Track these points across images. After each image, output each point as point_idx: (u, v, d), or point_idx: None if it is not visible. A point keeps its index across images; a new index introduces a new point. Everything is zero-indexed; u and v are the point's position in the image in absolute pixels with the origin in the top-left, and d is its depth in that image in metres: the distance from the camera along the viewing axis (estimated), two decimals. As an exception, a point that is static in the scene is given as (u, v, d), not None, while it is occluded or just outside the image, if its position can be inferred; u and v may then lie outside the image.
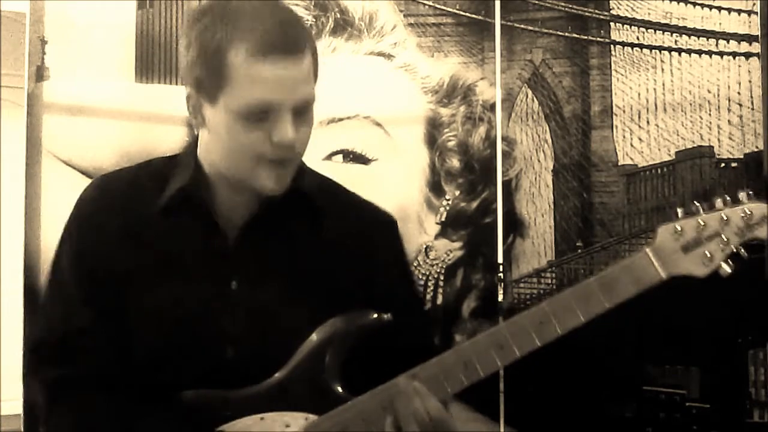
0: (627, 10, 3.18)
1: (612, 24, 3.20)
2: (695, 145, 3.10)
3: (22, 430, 2.87)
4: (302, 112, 1.64)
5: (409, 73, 3.22)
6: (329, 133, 3.09)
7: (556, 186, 3.22)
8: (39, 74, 3.03)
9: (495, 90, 3.20)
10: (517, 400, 3.06)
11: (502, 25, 3.21)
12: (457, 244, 3.21)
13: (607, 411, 3.10)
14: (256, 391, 1.69)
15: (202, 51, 1.62)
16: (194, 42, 1.63)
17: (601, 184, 3.19)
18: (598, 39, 3.21)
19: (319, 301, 1.72)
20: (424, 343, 1.76)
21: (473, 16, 3.24)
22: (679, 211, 1.60)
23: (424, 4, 3.24)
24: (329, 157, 3.13)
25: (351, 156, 3.15)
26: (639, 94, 3.17)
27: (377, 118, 3.17)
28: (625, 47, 3.19)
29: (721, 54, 3.08)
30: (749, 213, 1.55)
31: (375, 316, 1.70)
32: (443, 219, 3.20)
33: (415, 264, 3.14)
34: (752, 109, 3.02)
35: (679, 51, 3.13)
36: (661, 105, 3.14)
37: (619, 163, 3.18)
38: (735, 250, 1.55)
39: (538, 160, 3.23)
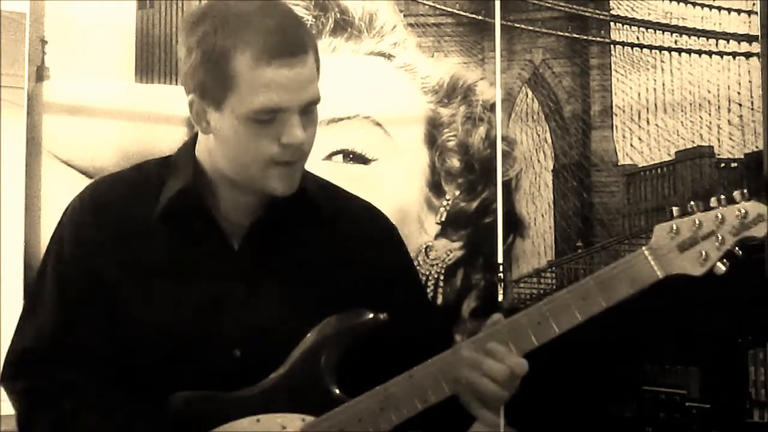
0: (627, 10, 3.19)
1: (612, 24, 3.20)
2: (695, 145, 3.10)
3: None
4: (309, 112, 1.64)
5: (409, 73, 3.22)
6: (329, 133, 3.08)
7: (556, 186, 3.22)
8: (39, 74, 3.04)
9: (495, 90, 3.21)
10: (517, 400, 3.06)
11: (502, 25, 3.21)
12: (457, 244, 3.21)
13: (607, 411, 3.10)
14: (252, 392, 1.68)
15: (205, 58, 1.60)
16: (195, 49, 1.61)
17: (601, 184, 3.19)
18: (598, 39, 3.21)
19: (325, 303, 1.71)
20: (441, 345, 1.74)
21: (473, 16, 3.24)
22: (675, 210, 1.60)
23: (424, 4, 3.24)
24: (329, 157, 3.13)
25: (351, 156, 3.15)
26: (639, 94, 3.17)
27: (377, 118, 3.17)
28: (625, 47, 3.19)
29: (721, 54, 3.08)
30: (744, 212, 1.55)
31: (371, 315, 1.70)
32: (443, 219, 3.20)
33: (415, 264, 3.14)
34: (752, 109, 3.03)
35: (679, 51, 3.13)
36: (661, 105, 3.14)
37: (619, 163, 3.19)
38: (730, 249, 1.56)
39: (538, 160, 3.23)
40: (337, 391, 1.70)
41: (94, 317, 1.69)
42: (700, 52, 3.11)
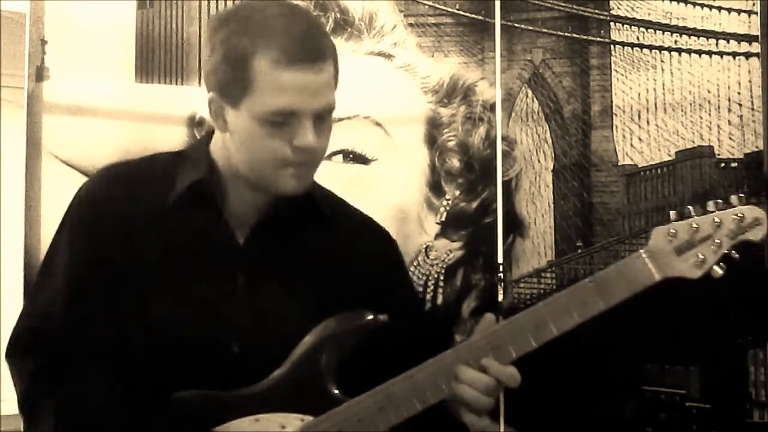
0: (627, 10, 3.18)
1: (612, 24, 3.20)
2: (695, 145, 3.10)
3: (22, 430, 2.87)
4: (323, 118, 1.68)
5: (409, 73, 3.22)
6: (329, 133, 3.09)
7: (556, 186, 3.22)
8: (39, 74, 3.04)
9: (495, 90, 3.21)
10: (517, 400, 3.06)
11: (502, 25, 3.21)
12: (457, 244, 3.21)
13: (607, 411, 3.10)
14: (251, 391, 1.69)
15: (227, 57, 1.64)
16: (219, 47, 1.66)
17: (601, 184, 3.19)
18: (598, 39, 3.21)
19: (324, 302, 1.74)
20: (431, 344, 1.76)
21: (473, 16, 3.24)
22: (673, 213, 1.61)
23: (424, 4, 3.24)
24: (329, 157, 3.13)
25: (351, 156, 3.16)
26: (639, 94, 3.17)
27: (377, 118, 3.17)
28: (625, 47, 3.18)
29: (721, 54, 3.08)
30: (741, 215, 1.56)
31: (371, 317, 1.71)
32: (443, 219, 3.20)
33: (415, 264, 3.14)
34: (752, 109, 3.02)
35: (679, 51, 3.13)
36: (661, 105, 3.14)
37: (619, 163, 3.18)
38: (727, 253, 1.56)
39: (538, 160, 3.23)
40: (337, 392, 1.71)
41: (99, 302, 1.72)
42: (700, 52, 3.11)
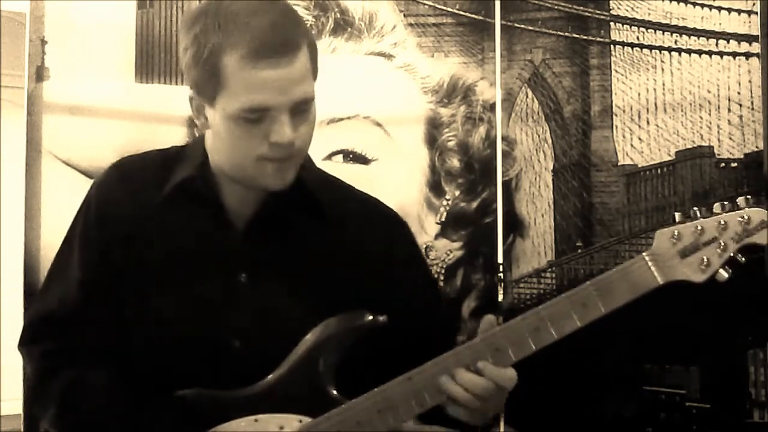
0: (627, 10, 3.18)
1: (612, 24, 3.20)
2: (695, 145, 3.10)
3: (22, 430, 2.87)
4: (301, 111, 1.64)
5: (409, 73, 3.22)
6: (329, 133, 3.09)
7: (556, 186, 3.22)
8: (39, 74, 3.04)
9: (495, 90, 3.20)
10: (516, 400, 3.06)
11: (502, 25, 3.21)
12: (457, 244, 3.21)
13: (607, 411, 3.10)
14: (250, 392, 1.69)
15: (198, 55, 1.62)
16: (190, 46, 1.63)
17: (601, 184, 3.19)
18: (598, 39, 3.21)
19: (324, 295, 1.72)
20: (446, 345, 1.74)
21: (473, 16, 3.24)
22: (677, 215, 1.58)
23: (424, 4, 3.24)
24: (329, 157, 3.13)
25: (351, 156, 3.15)
26: (639, 94, 3.17)
27: (377, 118, 3.17)
28: (625, 47, 3.18)
29: (721, 54, 3.08)
30: (747, 218, 1.54)
31: (370, 318, 1.70)
32: (443, 219, 3.20)
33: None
34: (752, 109, 3.02)
35: (679, 51, 3.13)
36: (661, 105, 3.14)
37: (619, 163, 3.18)
38: (732, 256, 1.54)
39: (538, 160, 3.23)
40: (335, 393, 1.70)
41: (108, 293, 1.73)
42: (700, 52, 3.11)
